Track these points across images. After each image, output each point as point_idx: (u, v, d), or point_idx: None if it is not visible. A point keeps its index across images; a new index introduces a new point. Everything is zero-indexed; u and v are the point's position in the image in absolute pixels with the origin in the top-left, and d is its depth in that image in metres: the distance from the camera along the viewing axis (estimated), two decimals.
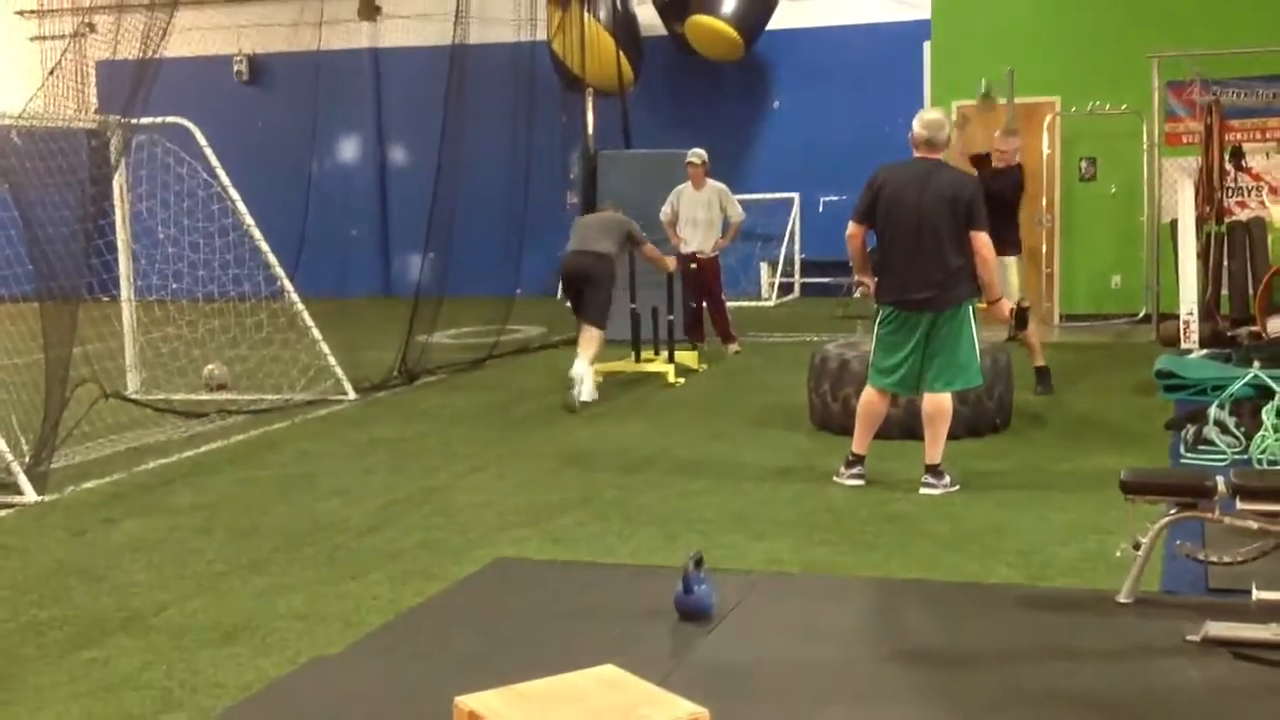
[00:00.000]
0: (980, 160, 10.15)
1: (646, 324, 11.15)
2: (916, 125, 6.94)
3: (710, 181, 12.20)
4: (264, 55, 20.12)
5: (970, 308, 6.89)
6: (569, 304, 10.61)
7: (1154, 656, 4.45)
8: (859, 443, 7.11)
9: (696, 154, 12.10)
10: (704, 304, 12.34)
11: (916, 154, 6.95)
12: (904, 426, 7.86)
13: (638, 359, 11.17)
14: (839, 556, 5.78)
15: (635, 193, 13.69)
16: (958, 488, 6.86)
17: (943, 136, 6.93)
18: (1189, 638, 4.50)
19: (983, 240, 6.81)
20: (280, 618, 5.13)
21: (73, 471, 7.82)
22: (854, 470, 7.07)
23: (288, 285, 10.58)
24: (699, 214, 11.99)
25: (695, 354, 11.64)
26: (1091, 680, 4.29)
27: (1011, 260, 9.75)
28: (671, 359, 11.10)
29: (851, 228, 7.02)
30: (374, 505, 6.93)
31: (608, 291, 10.12)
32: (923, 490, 6.84)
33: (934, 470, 6.88)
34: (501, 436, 8.73)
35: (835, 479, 7.08)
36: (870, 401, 7.11)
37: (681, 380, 10.84)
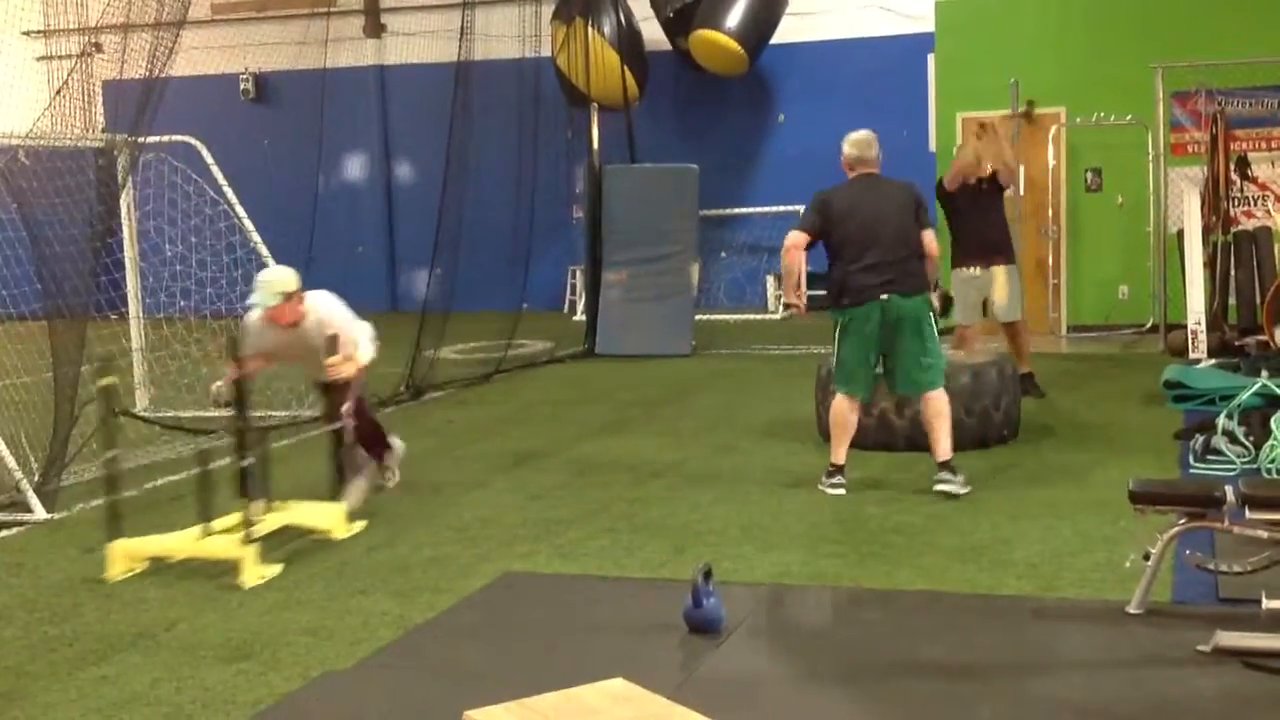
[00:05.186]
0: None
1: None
2: (846, 146, 7.19)
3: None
4: (270, 73, 20.17)
5: (927, 304, 7.07)
6: None
7: (1165, 666, 4.45)
8: (836, 453, 7.18)
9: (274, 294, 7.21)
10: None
11: (852, 174, 7.19)
12: (909, 439, 7.86)
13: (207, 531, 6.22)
14: (848, 568, 5.77)
15: (640, 207, 13.77)
16: (969, 489, 6.90)
17: (872, 154, 7.17)
18: (1199, 648, 4.50)
19: (930, 236, 7.14)
20: (290, 633, 5.14)
21: (82, 489, 7.81)
22: (834, 480, 7.13)
23: None
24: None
25: (342, 507, 6.81)
26: (1102, 691, 4.29)
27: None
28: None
29: (795, 237, 7.16)
30: (381, 520, 6.93)
31: None
32: (939, 487, 6.88)
33: (948, 466, 6.94)
34: (509, 451, 8.73)
35: (819, 486, 7.15)
36: (839, 410, 7.22)
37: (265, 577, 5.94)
